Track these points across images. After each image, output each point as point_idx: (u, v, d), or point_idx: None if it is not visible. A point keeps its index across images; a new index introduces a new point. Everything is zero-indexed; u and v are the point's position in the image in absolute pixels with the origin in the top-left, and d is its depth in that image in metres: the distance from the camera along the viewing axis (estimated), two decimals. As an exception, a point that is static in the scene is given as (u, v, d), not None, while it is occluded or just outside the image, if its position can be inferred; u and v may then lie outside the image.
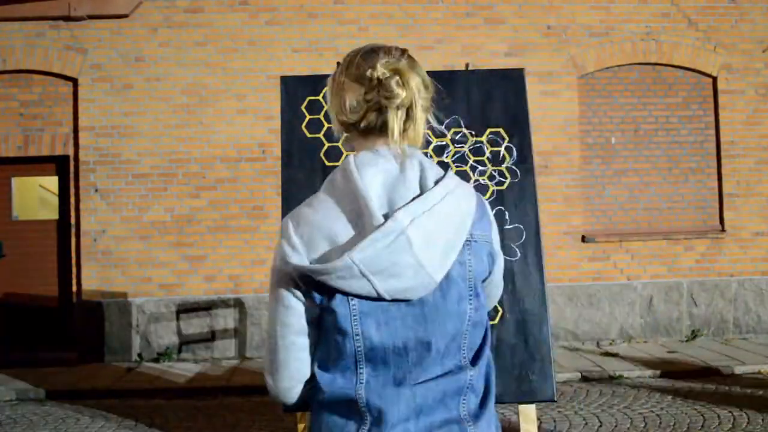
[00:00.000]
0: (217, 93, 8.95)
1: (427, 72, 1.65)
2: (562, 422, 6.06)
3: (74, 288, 8.89)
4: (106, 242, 8.82)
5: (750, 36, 9.50)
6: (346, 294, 1.49)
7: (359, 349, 1.51)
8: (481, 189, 3.41)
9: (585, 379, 7.52)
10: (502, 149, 3.42)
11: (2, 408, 7.11)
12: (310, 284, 1.51)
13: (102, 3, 8.82)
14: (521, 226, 3.46)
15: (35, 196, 9.58)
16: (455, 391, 1.55)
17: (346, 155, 1.62)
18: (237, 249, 8.88)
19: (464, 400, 1.56)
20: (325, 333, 1.55)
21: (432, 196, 1.51)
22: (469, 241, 1.56)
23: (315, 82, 3.18)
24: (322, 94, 3.13)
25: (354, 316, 1.50)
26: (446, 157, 3.34)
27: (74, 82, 8.90)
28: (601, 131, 9.40)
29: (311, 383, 1.59)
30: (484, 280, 1.64)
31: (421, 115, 1.59)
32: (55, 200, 9.22)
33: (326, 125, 3.12)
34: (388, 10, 9.11)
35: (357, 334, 1.50)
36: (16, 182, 9.22)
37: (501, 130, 3.30)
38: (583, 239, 9.10)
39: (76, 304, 8.85)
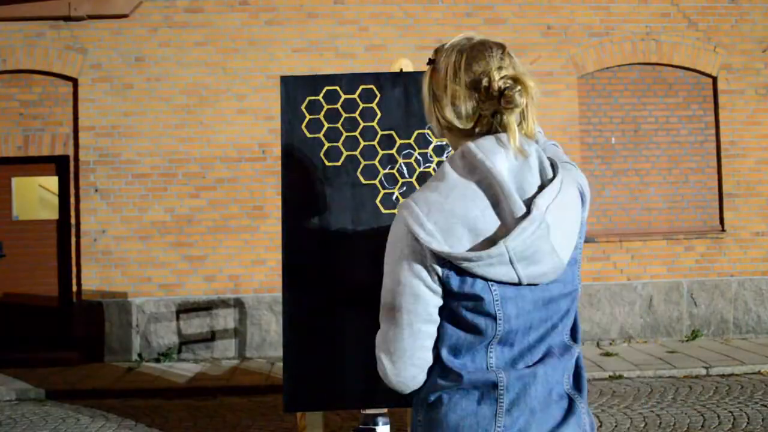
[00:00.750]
0: (217, 93, 8.95)
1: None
2: (562, 422, 6.06)
3: (74, 288, 8.89)
4: (106, 242, 8.82)
5: (750, 36, 9.49)
6: (487, 280, 1.51)
7: (499, 331, 1.54)
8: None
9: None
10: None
11: (2, 408, 7.11)
12: (451, 270, 1.51)
13: (102, 3, 8.82)
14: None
15: (35, 196, 9.59)
16: (570, 367, 1.62)
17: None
18: (237, 249, 8.88)
19: (567, 375, 1.62)
20: (458, 319, 1.55)
21: (556, 184, 1.54)
22: (581, 225, 1.62)
23: (315, 82, 3.18)
24: (322, 94, 3.12)
25: (497, 301, 1.52)
26: (446, 156, 3.34)
27: (74, 82, 8.90)
28: (601, 131, 9.40)
29: (434, 371, 1.59)
30: None
31: (533, 115, 1.60)
32: (56, 200, 9.22)
33: (326, 125, 3.11)
34: (388, 10, 9.11)
35: (500, 318, 1.52)
36: (17, 182, 9.22)
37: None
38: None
39: (77, 304, 8.85)
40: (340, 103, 3.14)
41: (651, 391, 7.01)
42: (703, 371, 7.62)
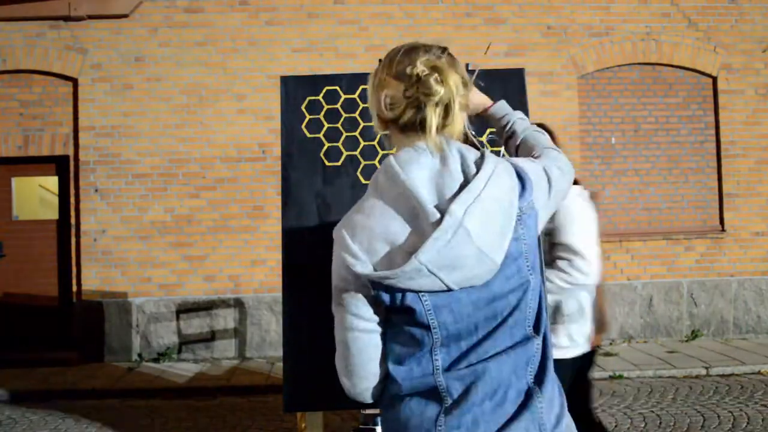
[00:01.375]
0: (217, 93, 8.95)
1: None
2: (562, 422, 6.06)
3: (74, 288, 8.89)
4: (106, 242, 8.82)
5: (750, 36, 9.50)
6: (416, 292, 1.52)
7: (437, 339, 1.55)
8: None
9: (585, 379, 7.51)
10: (502, 149, 3.42)
11: (2, 408, 7.11)
12: (379, 288, 1.54)
13: (102, 3, 8.82)
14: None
15: (35, 196, 9.58)
16: (525, 362, 1.59)
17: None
18: (237, 249, 8.88)
19: (531, 368, 1.60)
20: (397, 330, 1.59)
21: (478, 182, 1.52)
22: (519, 216, 1.58)
23: (315, 82, 3.17)
24: (322, 94, 3.12)
25: (428, 310, 1.53)
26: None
27: (74, 82, 8.90)
28: (601, 131, 9.40)
29: (385, 379, 1.63)
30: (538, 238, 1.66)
31: (458, 113, 1.60)
32: (55, 200, 9.22)
33: (326, 125, 3.11)
34: (388, 11, 9.11)
35: (435, 327, 1.54)
36: (17, 182, 9.22)
37: (501, 130, 3.29)
38: (583, 239, 9.08)
39: (76, 304, 8.85)
40: (340, 103, 3.14)
41: (651, 391, 7.01)
42: (703, 371, 7.62)
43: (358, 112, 3.12)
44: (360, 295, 1.58)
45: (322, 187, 3.06)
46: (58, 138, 8.89)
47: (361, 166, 3.08)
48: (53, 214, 9.23)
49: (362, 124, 3.11)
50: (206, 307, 8.87)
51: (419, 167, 1.56)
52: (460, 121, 1.62)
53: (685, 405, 6.47)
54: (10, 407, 7.15)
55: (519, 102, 3.24)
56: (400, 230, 1.52)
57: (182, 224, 8.88)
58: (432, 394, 1.56)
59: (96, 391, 7.51)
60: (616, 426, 5.95)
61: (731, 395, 6.76)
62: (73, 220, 8.90)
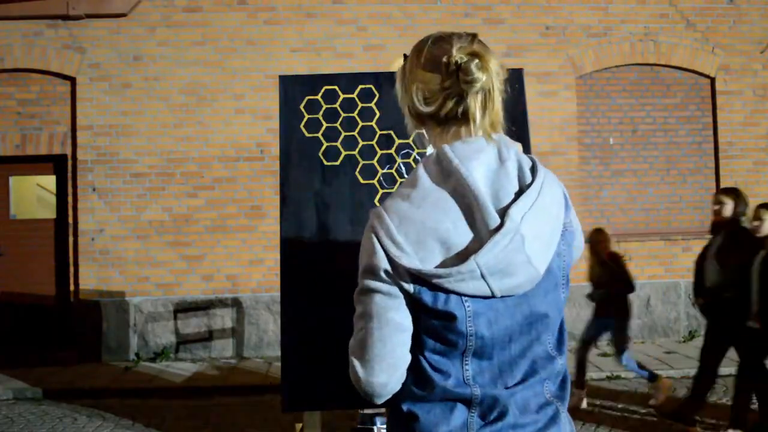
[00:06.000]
0: (216, 92, 8.95)
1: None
2: (560, 422, 6.05)
3: (72, 287, 8.88)
4: (104, 241, 8.81)
5: (748, 37, 9.50)
6: (460, 295, 1.46)
7: (470, 346, 1.49)
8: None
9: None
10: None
11: (-1, 407, 7.11)
12: (424, 286, 1.46)
13: (100, 2, 8.81)
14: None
15: (33, 195, 9.56)
16: (546, 377, 1.56)
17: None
18: (235, 249, 8.88)
19: (548, 383, 1.57)
20: (430, 333, 1.51)
21: (533, 190, 1.49)
22: (563, 231, 1.56)
23: (314, 82, 3.17)
24: (321, 94, 3.12)
25: (469, 317, 1.47)
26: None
27: (72, 81, 8.90)
28: (599, 132, 9.40)
29: (409, 377, 1.55)
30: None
31: (499, 99, 1.54)
32: (53, 199, 9.21)
33: (325, 125, 3.11)
34: (386, 10, 9.11)
35: (471, 335, 1.48)
36: (14, 181, 9.21)
37: (499, 130, 3.29)
38: (581, 239, 9.08)
39: (74, 303, 8.84)
40: (338, 103, 3.13)
41: (648, 391, 7.00)
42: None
43: (356, 112, 3.12)
44: (395, 288, 1.48)
45: (320, 187, 3.06)
46: (56, 137, 8.89)
47: (360, 166, 3.08)
48: (51, 214, 9.22)
49: (361, 124, 3.11)
50: (204, 306, 8.87)
51: (478, 164, 1.50)
52: (500, 108, 1.55)
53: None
54: (7, 406, 7.14)
55: (517, 102, 3.23)
56: (453, 229, 1.45)
57: (180, 224, 8.87)
58: (463, 405, 1.51)
59: (93, 391, 7.50)
60: (612, 427, 5.95)
61: (729, 395, 6.75)
62: (70, 220, 8.89)
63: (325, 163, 3.09)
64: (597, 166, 9.35)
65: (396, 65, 3.55)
